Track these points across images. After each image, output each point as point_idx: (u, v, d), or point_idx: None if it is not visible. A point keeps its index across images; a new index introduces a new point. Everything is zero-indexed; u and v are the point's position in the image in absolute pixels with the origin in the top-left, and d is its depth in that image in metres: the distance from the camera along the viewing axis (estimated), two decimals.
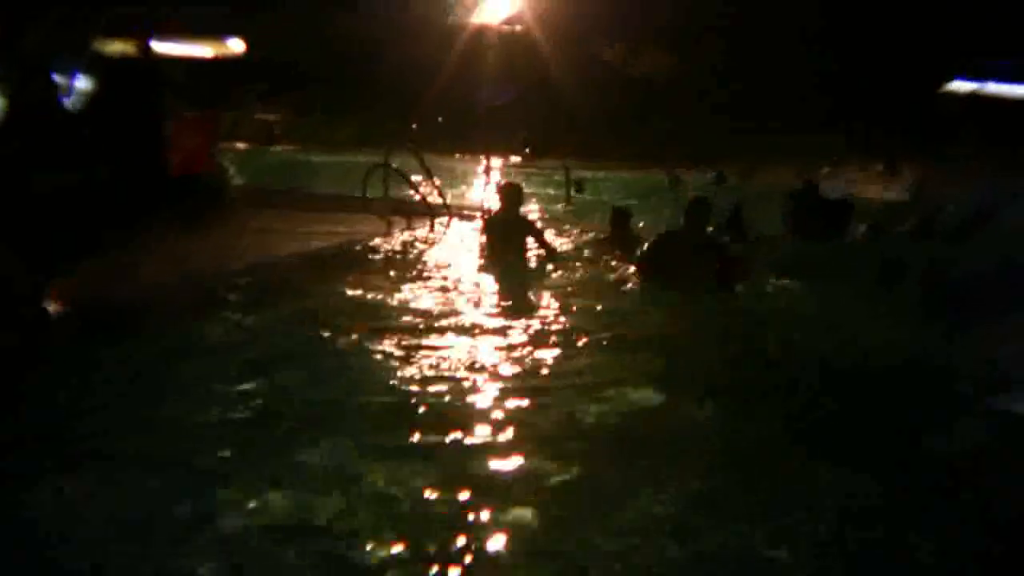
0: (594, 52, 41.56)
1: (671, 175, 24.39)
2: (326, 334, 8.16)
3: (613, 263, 12.08)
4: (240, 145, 31.41)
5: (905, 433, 6.25)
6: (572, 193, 21.39)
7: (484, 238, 12.32)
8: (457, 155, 30.38)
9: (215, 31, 16.80)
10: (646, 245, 10.85)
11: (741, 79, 38.29)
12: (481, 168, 23.02)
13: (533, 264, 12.12)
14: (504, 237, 12.09)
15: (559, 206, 20.02)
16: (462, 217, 15.94)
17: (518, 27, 37.32)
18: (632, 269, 10.90)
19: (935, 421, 6.58)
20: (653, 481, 5.13)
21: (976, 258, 12.52)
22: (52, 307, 7.97)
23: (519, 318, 8.94)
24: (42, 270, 9.24)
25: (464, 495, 4.88)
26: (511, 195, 12.43)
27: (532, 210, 19.00)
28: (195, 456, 5.28)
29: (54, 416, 5.91)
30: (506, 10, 36.97)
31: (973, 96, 35.51)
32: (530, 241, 12.39)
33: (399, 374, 6.93)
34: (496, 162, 26.12)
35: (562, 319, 8.94)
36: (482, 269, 11.65)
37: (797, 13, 36.52)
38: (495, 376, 6.92)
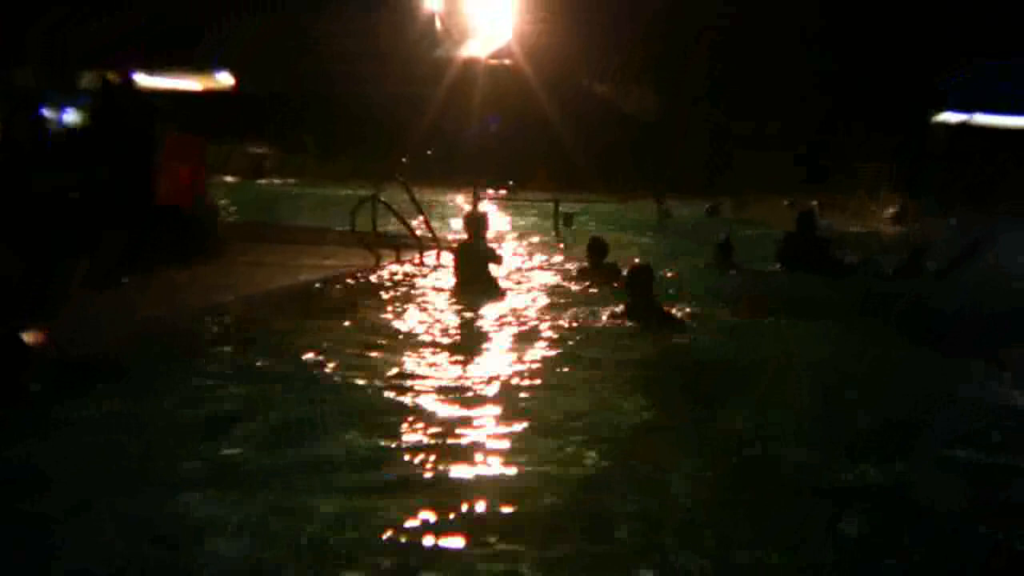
0: (584, 86, 41.69)
1: (661, 208, 24.41)
2: (315, 370, 8.16)
3: (589, 293, 12.25)
4: (229, 178, 31.40)
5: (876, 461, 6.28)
6: (560, 226, 21.39)
7: (454, 266, 12.85)
8: (446, 188, 30.34)
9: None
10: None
11: (732, 96, 38.41)
12: (470, 201, 23.03)
13: (501, 291, 12.37)
14: (471, 264, 12.57)
15: (548, 239, 19.99)
16: (450, 250, 15.91)
17: (507, 61, 37.51)
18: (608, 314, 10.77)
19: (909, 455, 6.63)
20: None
21: (960, 294, 12.59)
22: (29, 339, 7.94)
23: (502, 353, 9.00)
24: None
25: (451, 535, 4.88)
26: (475, 224, 13.28)
27: (521, 243, 19.02)
28: (180, 496, 5.26)
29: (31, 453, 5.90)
30: (494, 44, 37.22)
31: (962, 126, 35.71)
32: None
33: (388, 413, 6.91)
34: (485, 195, 26.16)
35: (546, 356, 8.90)
36: (457, 297, 11.90)
37: (791, 16, 36.64)
38: (478, 416, 6.87)
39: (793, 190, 28.51)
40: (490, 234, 14.63)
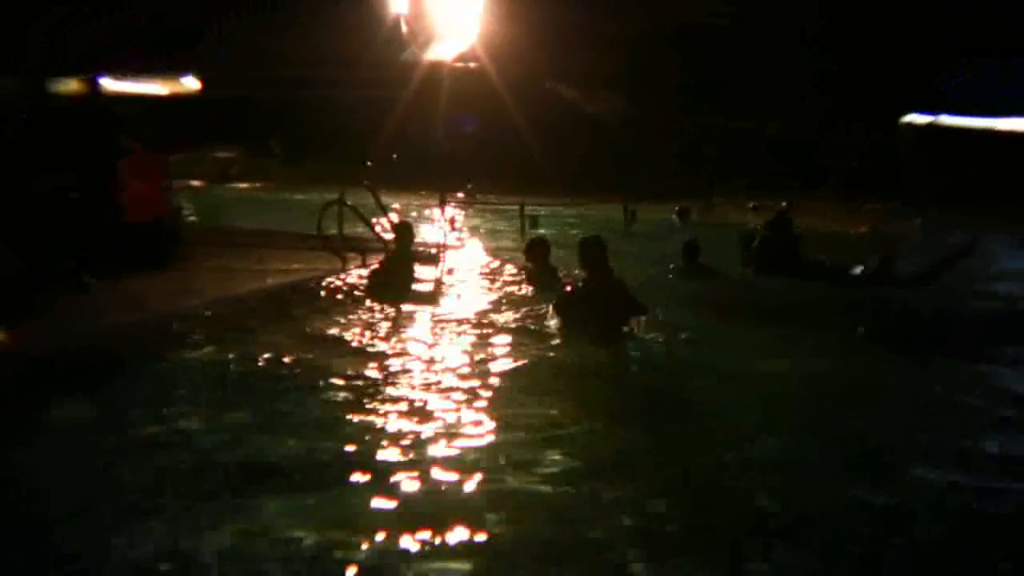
0: (550, 88, 41.67)
1: (628, 210, 24.36)
2: (277, 374, 8.17)
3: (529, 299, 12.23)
4: (195, 183, 31.25)
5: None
6: (527, 229, 21.35)
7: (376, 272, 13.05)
8: (412, 191, 30.29)
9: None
10: (555, 301, 10.54)
11: (705, 98, 38.44)
12: (436, 204, 22.99)
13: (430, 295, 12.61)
14: (400, 270, 12.92)
15: (512, 242, 19.96)
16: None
17: (472, 64, 37.47)
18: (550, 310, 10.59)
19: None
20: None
21: (939, 301, 12.59)
22: None
23: (465, 362, 8.93)
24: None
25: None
26: (402, 232, 13.69)
27: (487, 246, 19.01)
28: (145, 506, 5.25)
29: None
30: (460, 47, 37.17)
31: (929, 127, 35.84)
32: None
33: (352, 418, 6.96)
34: (452, 198, 26.09)
35: (504, 362, 8.90)
36: (393, 300, 11.88)
37: (775, 14, 36.76)
38: (436, 421, 6.91)
39: (774, 193, 28.52)
40: (461, 237, 14.66)
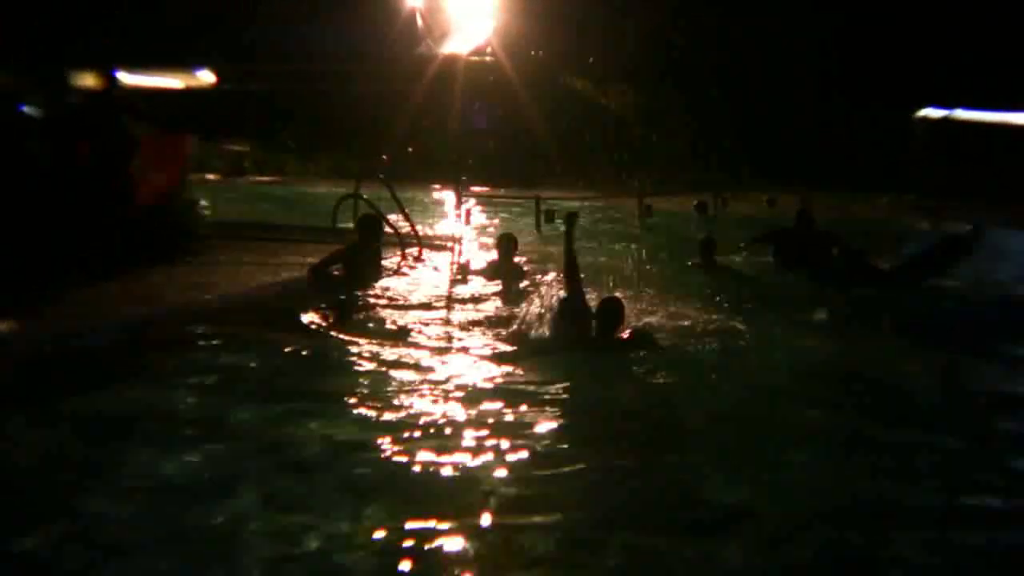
0: (565, 82, 41.68)
1: (642, 205, 24.32)
2: (290, 369, 8.19)
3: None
4: (209, 176, 31.29)
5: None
6: (543, 223, 21.33)
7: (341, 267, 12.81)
8: (427, 185, 30.29)
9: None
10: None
11: (715, 92, 38.43)
12: (452, 198, 22.98)
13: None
14: (362, 265, 12.87)
15: (528, 237, 19.92)
16: (432, 247, 15.86)
17: (488, 58, 37.46)
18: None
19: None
20: None
21: (956, 295, 12.51)
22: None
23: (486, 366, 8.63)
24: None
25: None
26: (366, 227, 13.48)
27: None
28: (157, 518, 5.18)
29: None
30: (475, 41, 37.16)
31: (944, 121, 35.73)
32: None
33: (361, 412, 6.96)
34: (468, 191, 26.07)
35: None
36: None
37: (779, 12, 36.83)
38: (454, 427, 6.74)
39: (780, 186, 28.55)
40: (474, 231, 14.58)
